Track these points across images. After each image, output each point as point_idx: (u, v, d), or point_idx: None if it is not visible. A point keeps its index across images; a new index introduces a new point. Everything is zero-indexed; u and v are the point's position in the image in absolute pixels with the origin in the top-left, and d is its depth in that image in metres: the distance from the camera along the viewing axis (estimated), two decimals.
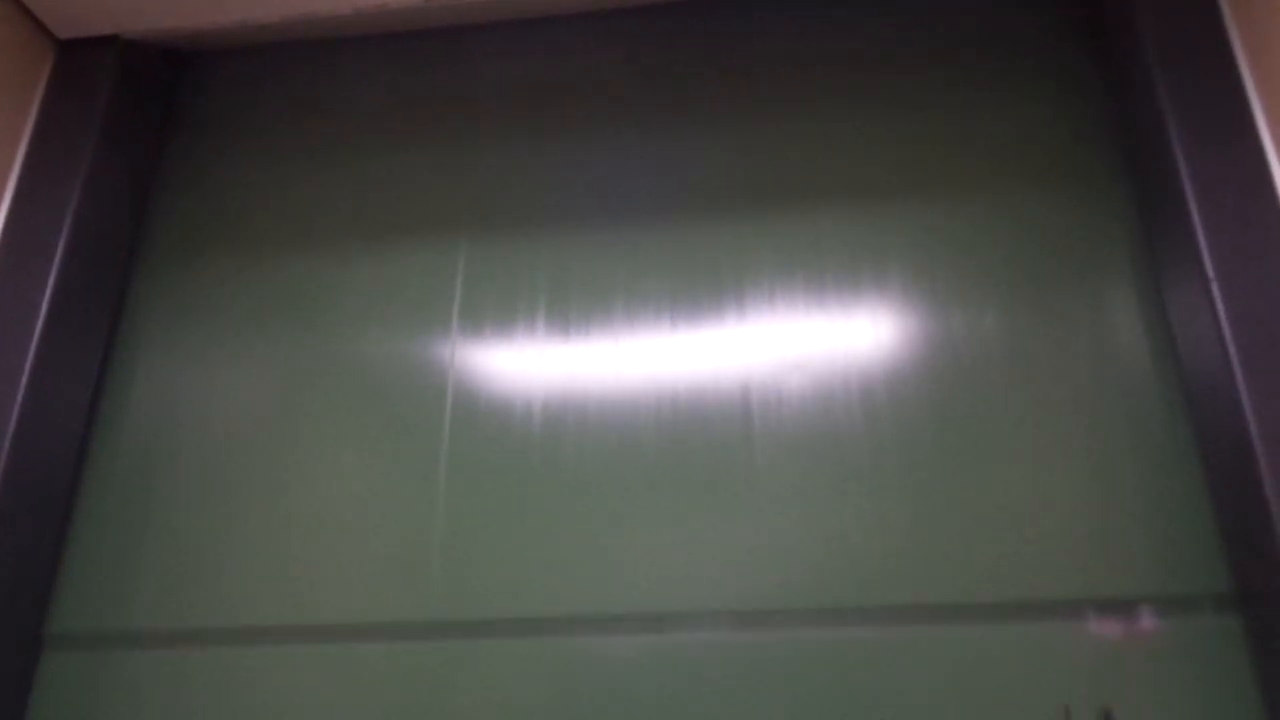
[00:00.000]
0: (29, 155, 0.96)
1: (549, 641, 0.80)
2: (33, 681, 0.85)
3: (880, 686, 0.75)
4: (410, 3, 0.97)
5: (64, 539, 0.90)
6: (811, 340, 0.87)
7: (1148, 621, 0.74)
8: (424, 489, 0.87)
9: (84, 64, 1.00)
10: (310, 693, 0.81)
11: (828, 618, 0.77)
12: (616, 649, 0.79)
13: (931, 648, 0.75)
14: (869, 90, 0.95)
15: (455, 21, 1.05)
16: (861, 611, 0.77)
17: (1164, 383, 0.81)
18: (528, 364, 0.90)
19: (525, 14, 1.04)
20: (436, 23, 1.05)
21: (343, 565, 0.85)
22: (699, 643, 0.78)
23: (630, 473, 0.84)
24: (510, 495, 0.85)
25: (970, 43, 0.96)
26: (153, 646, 0.85)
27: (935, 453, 0.81)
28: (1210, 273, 0.75)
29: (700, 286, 0.91)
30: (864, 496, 0.80)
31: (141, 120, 1.03)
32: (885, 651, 0.76)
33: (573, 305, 0.92)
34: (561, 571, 0.82)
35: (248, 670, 0.83)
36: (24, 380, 0.85)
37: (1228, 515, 0.74)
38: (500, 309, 0.93)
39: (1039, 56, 0.94)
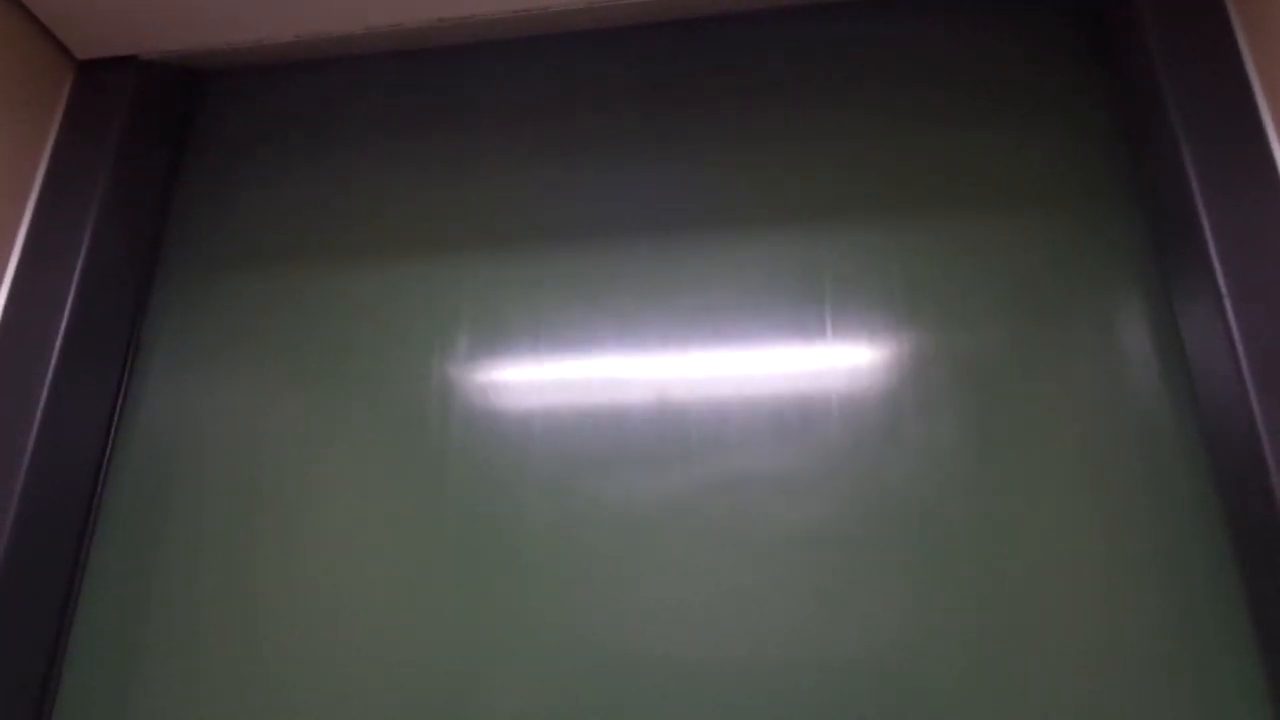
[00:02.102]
0: (49, 173, 0.98)
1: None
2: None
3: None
4: (423, 21, 0.98)
5: (85, 555, 0.91)
6: (811, 363, 0.87)
7: None
8: (435, 510, 0.87)
9: (102, 84, 1.02)
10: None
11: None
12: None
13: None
14: (876, 110, 0.95)
15: (468, 39, 1.06)
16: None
17: (1176, 401, 0.80)
18: (531, 381, 0.90)
19: (539, 30, 1.05)
20: (449, 40, 1.06)
21: (360, 585, 0.86)
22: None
23: (638, 500, 0.85)
24: (515, 516, 0.85)
25: (978, 62, 0.96)
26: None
27: (943, 477, 0.81)
28: (1223, 289, 0.74)
29: (700, 306, 0.91)
30: (866, 525, 0.80)
31: (159, 139, 1.04)
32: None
33: (579, 322, 0.92)
34: (572, 598, 0.82)
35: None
36: (42, 399, 0.86)
37: (1242, 534, 0.73)
38: (508, 326, 0.93)
39: (1048, 75, 0.94)
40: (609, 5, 0.96)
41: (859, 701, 0.75)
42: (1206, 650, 0.73)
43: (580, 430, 0.88)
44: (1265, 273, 0.74)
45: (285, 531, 0.89)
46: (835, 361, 0.86)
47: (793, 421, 0.85)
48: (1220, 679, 0.72)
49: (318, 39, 1.01)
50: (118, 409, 0.96)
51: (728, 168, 0.96)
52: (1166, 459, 0.79)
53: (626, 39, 1.04)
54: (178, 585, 0.88)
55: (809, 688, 0.76)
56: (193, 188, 1.06)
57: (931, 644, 0.76)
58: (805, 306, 0.89)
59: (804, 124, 0.96)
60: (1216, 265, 0.75)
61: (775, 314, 0.89)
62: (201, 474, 0.92)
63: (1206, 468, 0.78)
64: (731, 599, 0.80)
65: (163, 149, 1.05)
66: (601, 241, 0.95)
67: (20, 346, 0.89)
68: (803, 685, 0.76)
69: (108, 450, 0.95)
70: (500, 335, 0.93)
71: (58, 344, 0.89)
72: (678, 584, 0.81)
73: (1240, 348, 0.72)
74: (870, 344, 0.86)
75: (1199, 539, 0.76)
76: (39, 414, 0.86)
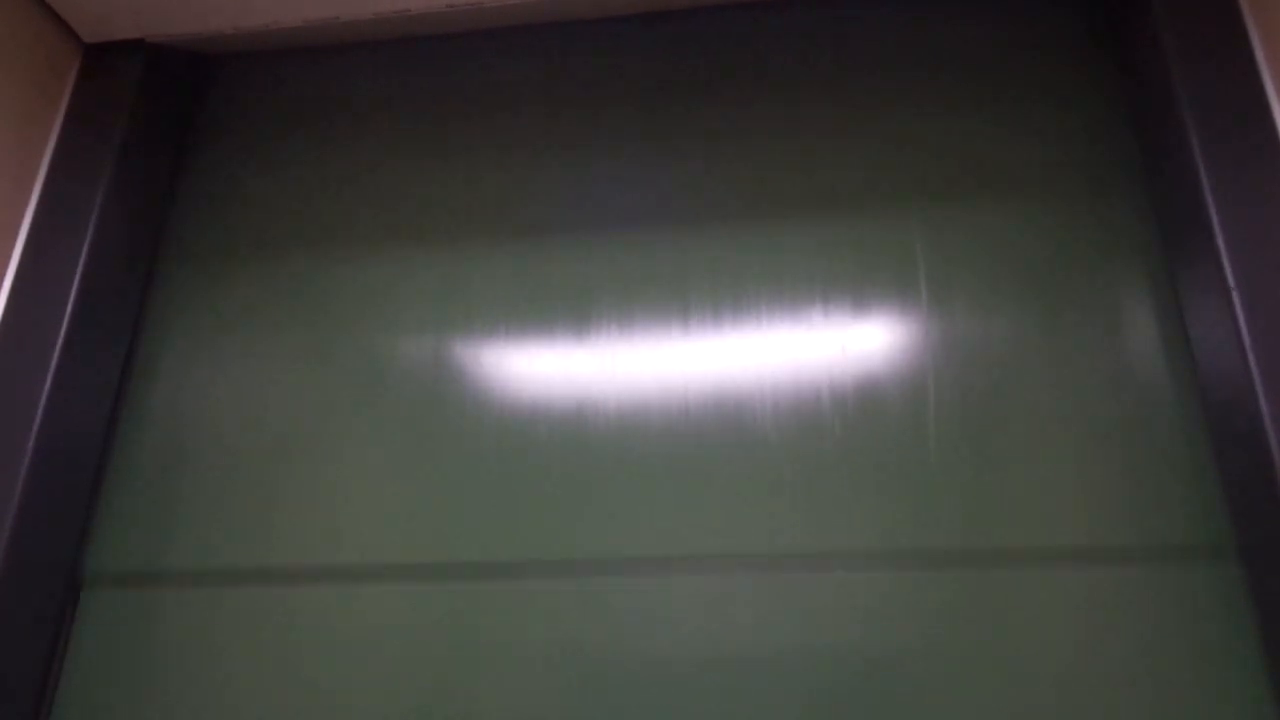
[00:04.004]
0: (55, 156, 0.97)
1: (564, 584, 0.82)
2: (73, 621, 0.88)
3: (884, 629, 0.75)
4: (430, 8, 0.98)
5: (87, 539, 0.91)
6: (822, 348, 0.87)
7: None
8: (436, 494, 0.87)
9: (110, 67, 1.01)
10: (333, 630, 0.84)
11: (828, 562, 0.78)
12: (629, 592, 0.81)
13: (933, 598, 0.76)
14: (884, 98, 0.95)
15: (477, 26, 1.06)
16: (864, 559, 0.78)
17: (1181, 394, 0.80)
18: (534, 366, 0.91)
19: (550, 18, 1.05)
20: (457, 27, 1.06)
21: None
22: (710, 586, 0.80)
23: (640, 466, 0.85)
24: (519, 500, 0.86)
25: (986, 49, 0.95)
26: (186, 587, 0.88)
27: (946, 461, 0.81)
28: (1231, 282, 0.74)
29: (705, 295, 0.91)
30: (867, 504, 0.81)
31: (166, 123, 1.04)
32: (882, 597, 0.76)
33: (584, 307, 0.92)
34: (579, 518, 0.84)
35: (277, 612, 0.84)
36: (47, 383, 0.86)
37: (1245, 528, 0.73)
38: (510, 311, 0.93)
39: (1056, 64, 0.94)
40: None
41: (861, 687, 0.75)
42: (1207, 640, 0.73)
43: (585, 414, 0.88)
44: (1273, 265, 0.74)
45: (288, 517, 0.89)
46: (845, 346, 0.86)
47: (806, 404, 0.85)
48: (1222, 669, 0.72)
49: (325, 24, 1.01)
50: (122, 393, 0.96)
51: (735, 159, 0.96)
52: (1172, 450, 0.79)
53: (641, 26, 1.03)
54: (180, 569, 0.88)
55: (815, 669, 0.76)
56: (199, 172, 1.06)
57: (937, 623, 0.76)
58: (809, 297, 0.89)
59: (812, 115, 0.96)
60: (1224, 258, 0.75)
61: (779, 302, 0.89)
62: (204, 459, 0.92)
63: (1211, 457, 0.78)
64: (745, 582, 0.80)
65: (169, 133, 1.05)
66: (606, 230, 0.95)
67: (26, 330, 0.89)
68: (809, 666, 0.77)
69: (111, 435, 0.95)
70: (503, 322, 0.93)
71: (63, 328, 0.89)
72: (685, 569, 0.81)
73: (1247, 340, 0.72)
74: (878, 331, 0.87)
75: (1203, 527, 0.76)
76: (44, 398, 0.86)
